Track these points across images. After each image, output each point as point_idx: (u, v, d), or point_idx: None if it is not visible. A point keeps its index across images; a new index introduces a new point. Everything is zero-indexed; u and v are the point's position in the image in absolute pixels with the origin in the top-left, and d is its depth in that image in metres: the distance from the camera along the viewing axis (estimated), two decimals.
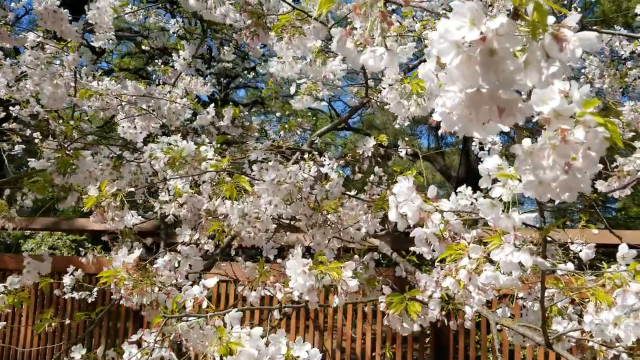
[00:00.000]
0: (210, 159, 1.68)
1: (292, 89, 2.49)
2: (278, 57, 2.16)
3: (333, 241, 1.86)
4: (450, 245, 1.19)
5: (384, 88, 1.47)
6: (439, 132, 0.84)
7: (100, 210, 1.48)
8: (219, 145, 2.04)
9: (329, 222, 1.79)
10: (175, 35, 4.67)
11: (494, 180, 1.01)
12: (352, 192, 2.16)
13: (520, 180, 0.95)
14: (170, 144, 1.66)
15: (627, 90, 2.55)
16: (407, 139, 2.25)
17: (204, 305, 1.16)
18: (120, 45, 11.60)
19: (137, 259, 1.18)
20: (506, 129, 0.75)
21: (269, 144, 2.56)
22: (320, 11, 0.73)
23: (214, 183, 1.67)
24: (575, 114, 0.77)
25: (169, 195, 1.74)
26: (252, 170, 1.73)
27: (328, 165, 2.11)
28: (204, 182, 1.68)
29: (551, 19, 0.66)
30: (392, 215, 0.98)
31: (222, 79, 11.30)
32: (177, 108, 2.37)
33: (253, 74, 10.59)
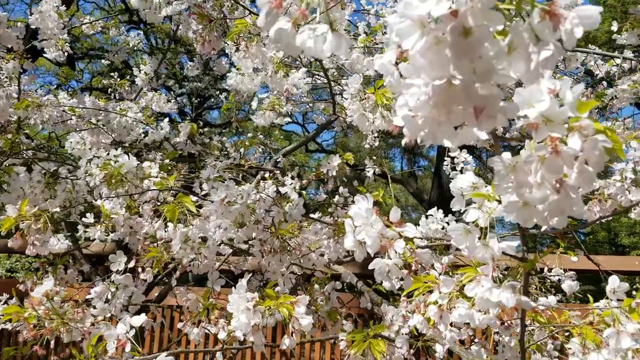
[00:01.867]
0: (155, 177, 1.50)
1: (254, 104, 2.33)
2: (237, 69, 2.00)
3: (292, 268, 1.69)
4: (417, 277, 1.03)
5: (346, 99, 1.31)
6: (405, 142, 0.69)
7: (20, 233, 1.29)
8: (168, 161, 1.87)
9: (288, 248, 1.62)
10: (136, 49, 4.50)
11: (468, 202, 0.86)
12: (316, 215, 1.99)
13: (499, 202, 0.80)
14: (109, 160, 1.48)
15: (606, 110, 2.46)
16: (374, 158, 2.11)
17: (128, 348, 0.97)
18: (92, 64, 11.38)
19: (46, 292, 0.99)
20: (484, 135, 0.60)
21: (228, 162, 2.38)
22: None
23: (158, 203, 1.49)
24: (568, 119, 0.62)
25: (94, 217, 1.55)
26: (202, 190, 1.55)
27: (290, 185, 1.95)
28: (145, 202, 1.50)
29: None
30: (349, 243, 0.82)
31: (193, 98, 11.12)
32: (128, 122, 2.19)
33: (225, 94, 10.43)
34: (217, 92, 11.00)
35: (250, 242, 1.52)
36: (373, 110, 1.34)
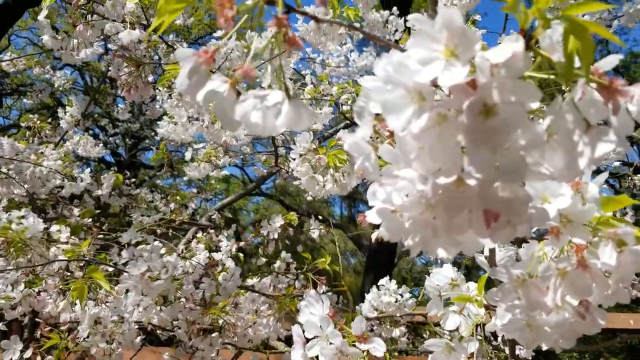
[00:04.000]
0: (65, 243, 1.27)
1: (188, 155, 2.13)
2: (169, 117, 1.81)
3: (227, 347, 1.47)
4: None
5: (294, 159, 1.15)
6: (376, 237, 0.52)
7: None
8: (86, 220, 1.63)
9: (222, 325, 1.41)
10: (71, 87, 4.23)
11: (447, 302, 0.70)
12: (255, 280, 1.79)
13: (487, 309, 0.64)
14: (10, 222, 1.24)
15: None
16: (319, 218, 1.95)
17: None
18: (22, 101, 10.82)
19: None
20: (492, 245, 0.44)
21: (157, 218, 2.16)
22: (162, 21, 0.40)
23: (68, 274, 1.26)
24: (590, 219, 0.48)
25: None
26: (120, 257, 1.33)
27: (225, 247, 1.75)
28: (50, 275, 1.27)
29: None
30: (297, 358, 0.63)
31: (127, 139, 10.73)
32: (43, 173, 1.94)
33: (160, 136, 10.09)
34: (153, 133, 10.68)
35: (175, 322, 1.30)
36: (323, 173, 1.18)
